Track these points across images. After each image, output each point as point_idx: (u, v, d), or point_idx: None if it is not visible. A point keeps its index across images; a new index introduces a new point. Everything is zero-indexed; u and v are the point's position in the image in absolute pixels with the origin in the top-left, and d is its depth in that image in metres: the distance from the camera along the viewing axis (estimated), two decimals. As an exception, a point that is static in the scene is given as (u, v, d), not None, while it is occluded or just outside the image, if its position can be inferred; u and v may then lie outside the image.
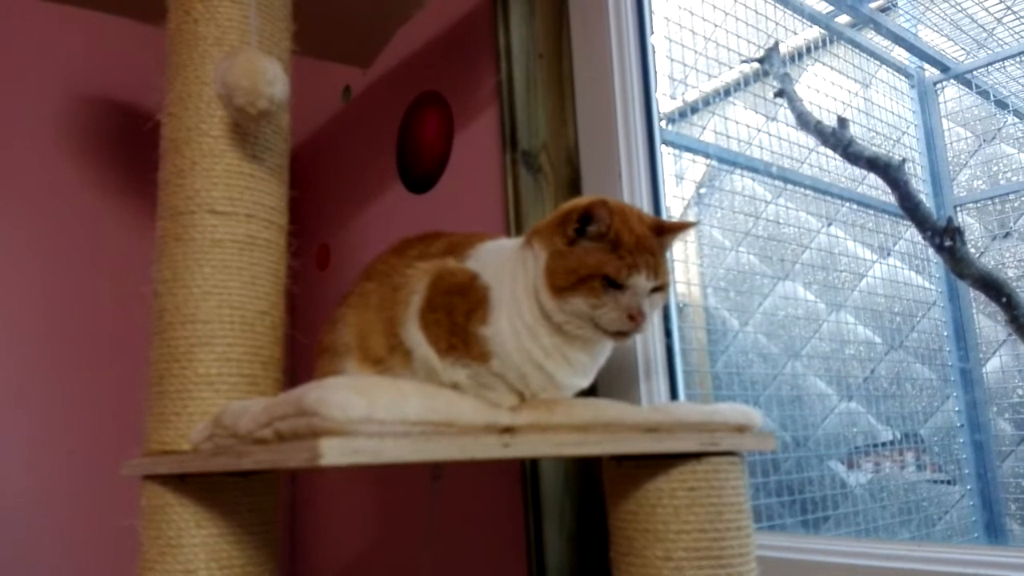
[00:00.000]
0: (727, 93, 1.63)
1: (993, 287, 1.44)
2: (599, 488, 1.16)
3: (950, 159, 1.63)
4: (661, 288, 0.75)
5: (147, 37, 1.24)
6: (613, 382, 1.17)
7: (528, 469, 1.19)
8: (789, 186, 1.69)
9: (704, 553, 0.72)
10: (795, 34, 1.69)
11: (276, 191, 0.99)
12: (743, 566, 0.73)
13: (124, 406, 1.45)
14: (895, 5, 1.69)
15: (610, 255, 0.73)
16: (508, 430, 0.68)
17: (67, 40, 1.71)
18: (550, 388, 0.76)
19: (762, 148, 1.63)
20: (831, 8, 1.67)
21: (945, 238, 1.44)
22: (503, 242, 0.86)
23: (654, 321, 1.17)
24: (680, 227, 0.77)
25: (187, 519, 0.83)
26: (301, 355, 1.05)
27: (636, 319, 0.72)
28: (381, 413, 0.60)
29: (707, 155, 1.60)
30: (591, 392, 0.83)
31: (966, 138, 1.61)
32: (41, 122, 1.66)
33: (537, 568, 1.15)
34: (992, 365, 1.50)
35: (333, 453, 0.56)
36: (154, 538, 0.84)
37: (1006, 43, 1.59)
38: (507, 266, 0.78)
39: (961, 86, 1.64)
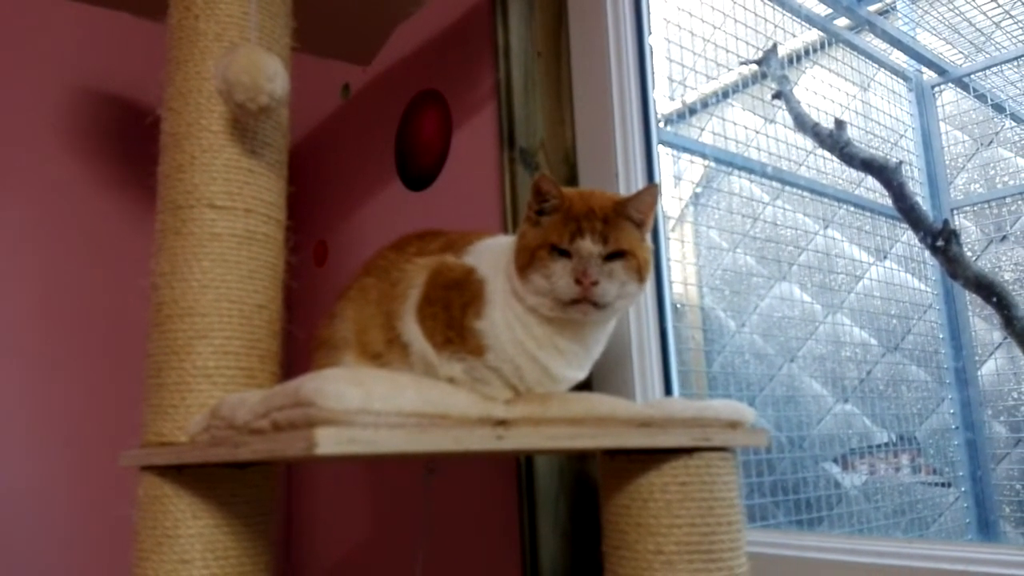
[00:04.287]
0: (725, 95, 1.64)
1: (988, 290, 1.45)
2: (592, 485, 1.17)
3: (947, 162, 1.63)
4: (619, 255, 0.74)
5: (147, 33, 1.25)
6: (608, 381, 1.18)
7: (522, 465, 1.20)
8: (787, 188, 1.69)
9: (695, 547, 0.73)
10: (794, 36, 1.69)
11: (275, 186, 0.99)
12: (733, 560, 0.74)
13: (122, 398, 1.46)
14: (894, 8, 1.70)
15: (559, 225, 0.74)
16: (502, 423, 0.69)
17: (67, 35, 1.71)
18: (545, 380, 0.77)
19: (760, 150, 1.64)
20: (829, 11, 1.68)
21: (941, 240, 1.45)
22: (501, 239, 0.87)
23: (647, 315, 1.19)
24: (636, 195, 0.76)
25: (183, 510, 0.83)
26: (297, 350, 1.05)
27: (583, 282, 0.71)
28: (377, 404, 0.60)
29: (705, 156, 1.61)
30: (586, 388, 0.84)
31: (963, 141, 1.62)
32: (41, 117, 1.66)
33: (530, 563, 1.16)
34: (987, 368, 1.51)
35: (328, 443, 0.56)
36: (150, 528, 0.84)
37: (1004, 47, 1.59)
38: (502, 260, 0.79)
39: (959, 89, 1.65)
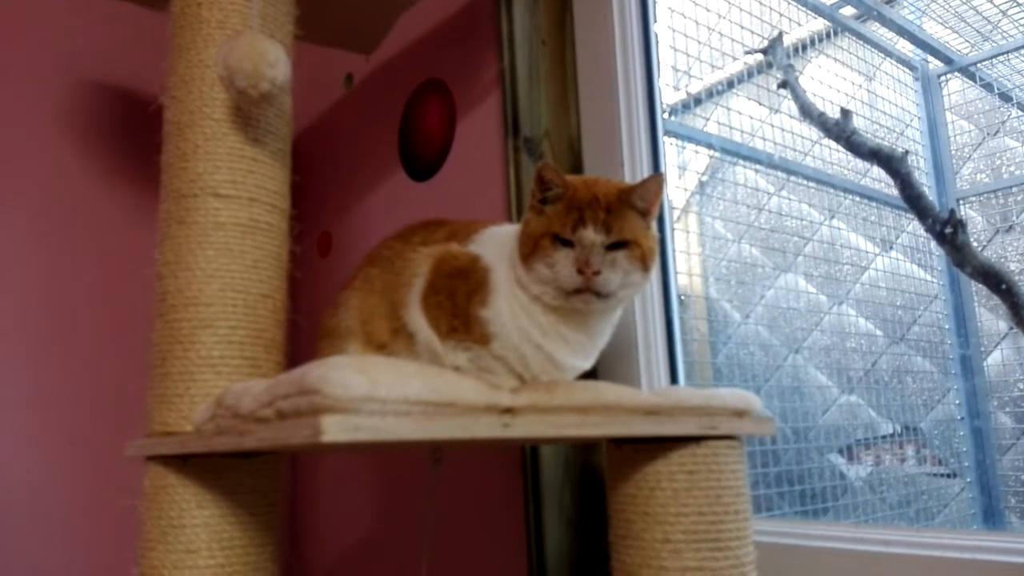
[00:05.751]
0: (731, 84, 1.63)
1: (994, 280, 1.44)
2: (598, 474, 1.17)
3: (953, 152, 1.62)
4: (623, 245, 0.73)
5: (149, 21, 1.25)
6: (614, 371, 1.17)
7: (528, 455, 1.19)
8: (792, 178, 1.69)
9: (702, 536, 0.73)
10: (799, 25, 1.68)
11: (278, 175, 0.99)
12: (740, 549, 0.74)
13: (126, 388, 1.46)
14: (900, -3, 1.68)
15: (562, 214, 0.74)
16: (508, 411, 0.68)
17: (69, 25, 1.70)
18: (550, 369, 0.76)
19: (765, 140, 1.63)
20: (836, 0, 1.67)
21: (947, 230, 1.44)
22: (506, 227, 0.87)
23: (653, 306, 1.18)
24: (640, 184, 0.75)
25: (189, 500, 0.83)
26: (302, 340, 1.05)
27: (585, 272, 0.71)
28: (383, 392, 0.60)
29: (710, 146, 1.60)
30: (591, 378, 0.84)
31: (969, 131, 1.61)
32: (43, 106, 1.66)
33: (536, 552, 1.16)
34: (993, 359, 1.50)
35: (334, 430, 0.56)
36: (156, 518, 0.84)
37: (1011, 36, 1.58)
38: (507, 248, 0.79)
39: (965, 79, 1.64)
